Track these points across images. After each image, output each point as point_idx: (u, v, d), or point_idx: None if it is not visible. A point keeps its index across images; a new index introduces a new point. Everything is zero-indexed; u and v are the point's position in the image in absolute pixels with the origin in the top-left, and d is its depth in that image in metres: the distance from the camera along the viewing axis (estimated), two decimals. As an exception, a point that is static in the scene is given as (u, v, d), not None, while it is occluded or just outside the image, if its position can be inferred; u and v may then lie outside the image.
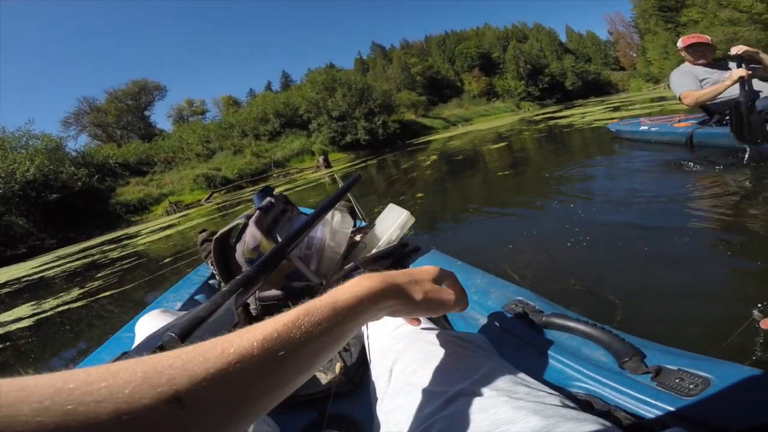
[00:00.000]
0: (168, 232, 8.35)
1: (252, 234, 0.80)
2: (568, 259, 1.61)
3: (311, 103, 28.97)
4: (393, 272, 0.41)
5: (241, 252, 0.82)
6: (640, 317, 1.13)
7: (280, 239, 0.82)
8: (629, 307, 1.16)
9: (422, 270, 0.44)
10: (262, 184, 19.49)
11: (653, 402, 0.44)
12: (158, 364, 0.22)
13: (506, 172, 4.47)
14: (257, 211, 0.85)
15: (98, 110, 38.13)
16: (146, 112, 41.87)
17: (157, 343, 0.47)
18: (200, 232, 1.23)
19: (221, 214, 9.36)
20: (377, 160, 13.78)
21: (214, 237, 0.83)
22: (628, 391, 0.46)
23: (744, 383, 0.41)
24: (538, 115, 21.57)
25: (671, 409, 0.42)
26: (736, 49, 2.52)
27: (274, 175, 22.59)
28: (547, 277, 1.50)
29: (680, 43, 3.02)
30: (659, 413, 0.43)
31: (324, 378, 0.72)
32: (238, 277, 0.62)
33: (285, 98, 32.11)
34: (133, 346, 0.70)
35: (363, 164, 13.33)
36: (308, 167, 22.34)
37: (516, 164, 5.02)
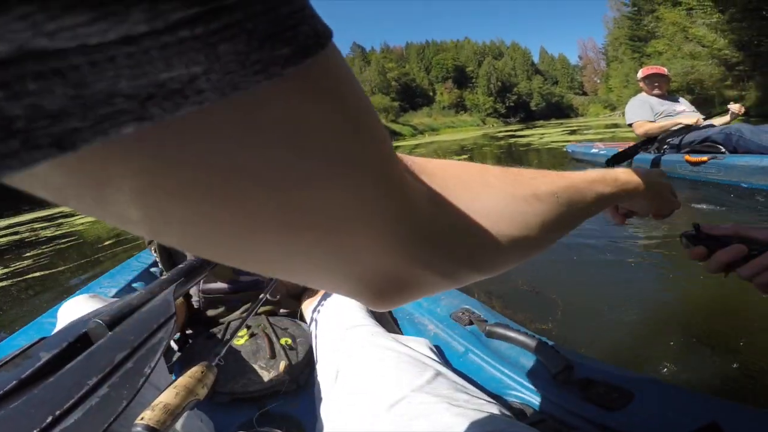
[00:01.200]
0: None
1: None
2: (514, 270, 1.68)
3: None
4: (650, 177, 0.41)
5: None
6: (576, 325, 1.21)
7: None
8: (567, 316, 1.23)
9: (664, 185, 0.44)
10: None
11: (580, 413, 0.47)
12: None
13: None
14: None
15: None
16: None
17: (81, 330, 0.44)
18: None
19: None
20: None
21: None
22: (558, 402, 0.49)
23: (663, 398, 0.45)
24: (501, 131, 22.47)
25: (596, 420, 0.45)
26: (736, 108, 2.95)
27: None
28: (491, 285, 1.58)
29: (640, 74, 3.31)
30: (585, 424, 0.46)
31: (267, 376, 0.70)
32: (180, 265, 0.58)
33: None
34: (54, 332, 0.64)
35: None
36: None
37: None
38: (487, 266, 0.23)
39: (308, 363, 0.74)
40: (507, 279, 1.54)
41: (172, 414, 0.45)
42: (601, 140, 5.23)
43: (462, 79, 63.19)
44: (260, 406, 0.70)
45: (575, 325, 1.20)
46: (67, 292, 2.55)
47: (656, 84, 3.20)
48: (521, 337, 0.59)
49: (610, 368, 0.52)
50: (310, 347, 0.75)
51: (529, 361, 0.57)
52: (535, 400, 0.51)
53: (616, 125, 14.30)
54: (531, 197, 0.23)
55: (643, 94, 3.30)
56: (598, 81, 67.42)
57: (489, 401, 0.46)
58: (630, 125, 3.29)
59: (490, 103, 57.98)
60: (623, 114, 3.44)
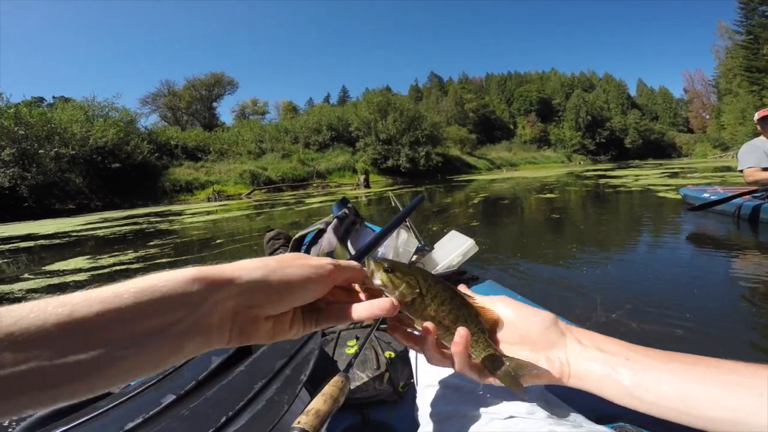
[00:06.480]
0: (211, 216, 8.81)
1: (329, 240, 0.88)
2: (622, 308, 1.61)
3: (363, 121, 29.84)
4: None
5: (315, 254, 0.90)
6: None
7: (350, 247, 0.89)
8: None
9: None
10: (302, 191, 20.29)
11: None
12: None
13: (551, 221, 4.43)
14: (335, 220, 0.93)
15: (174, 94, 41.30)
16: (214, 104, 44.77)
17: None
18: (268, 231, 1.34)
19: (257, 211, 9.68)
20: (414, 190, 13.63)
21: (294, 237, 0.91)
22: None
23: None
24: (588, 170, 21.02)
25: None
26: None
27: (314, 184, 23.27)
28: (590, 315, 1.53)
29: (756, 115, 3.07)
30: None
31: (372, 385, 0.77)
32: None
33: (340, 112, 33.32)
34: None
35: (400, 191, 13.38)
36: (347, 183, 22.83)
37: (560, 216, 4.94)
38: None
39: (409, 376, 0.80)
40: (612, 312, 1.47)
41: (322, 420, 0.49)
42: (720, 184, 4.87)
43: (547, 112, 60.58)
44: (363, 412, 0.78)
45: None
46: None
47: None
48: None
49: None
50: (410, 362, 0.81)
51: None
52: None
53: (727, 168, 12.60)
54: None
55: (760, 137, 3.08)
56: (708, 117, 60.15)
57: (597, 426, 0.48)
58: (741, 171, 3.10)
59: (578, 139, 54.03)
60: (737, 155, 3.17)
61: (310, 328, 0.35)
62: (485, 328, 0.40)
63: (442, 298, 0.38)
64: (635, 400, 0.33)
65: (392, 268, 0.37)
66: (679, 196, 4.75)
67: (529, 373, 0.38)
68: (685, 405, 0.31)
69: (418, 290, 0.37)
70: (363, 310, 0.35)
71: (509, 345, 0.40)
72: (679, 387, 0.32)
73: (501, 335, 0.41)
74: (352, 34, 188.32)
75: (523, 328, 0.39)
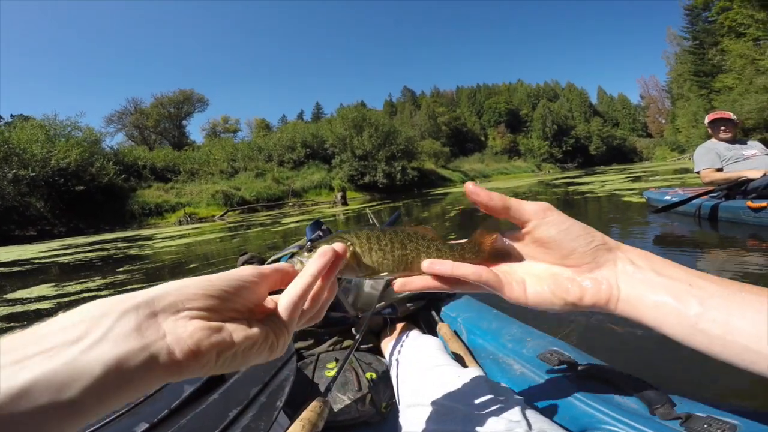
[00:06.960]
0: (183, 240, 8.51)
1: (303, 262, 0.87)
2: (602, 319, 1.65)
3: (338, 138, 29.87)
4: None
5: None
6: (669, 365, 1.19)
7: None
8: (663, 367, 1.19)
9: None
10: (277, 210, 19.98)
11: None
12: None
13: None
14: (308, 243, 0.92)
15: (141, 112, 39.94)
16: (184, 122, 43.63)
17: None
18: (241, 255, 1.31)
19: (232, 234, 9.42)
20: (392, 205, 13.51)
21: (267, 261, 0.90)
22: (658, 434, 0.48)
23: None
24: (557, 178, 21.76)
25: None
26: None
27: (290, 203, 22.95)
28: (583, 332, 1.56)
29: (706, 120, 3.36)
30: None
31: (355, 407, 0.76)
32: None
33: (315, 129, 33.23)
34: None
35: (378, 207, 13.33)
36: (324, 201, 22.63)
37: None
38: None
39: (391, 396, 0.80)
40: (592, 332, 1.51)
41: None
42: (681, 186, 5.15)
43: (515, 122, 62.58)
44: (345, 435, 0.77)
45: (669, 366, 1.19)
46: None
47: (723, 128, 3.23)
48: (616, 377, 0.58)
49: (712, 403, 0.51)
50: (391, 382, 0.81)
51: (624, 399, 0.56)
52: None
53: (686, 170, 13.36)
54: None
55: (711, 140, 3.32)
56: (664, 121, 63.33)
57: None
58: (698, 173, 3.33)
59: (546, 148, 55.98)
60: (692, 158, 3.42)
61: (285, 331, 0.31)
62: (433, 235, 0.38)
63: (375, 236, 0.37)
64: (698, 334, 0.29)
65: (313, 245, 0.36)
66: (643, 200, 4.97)
67: (489, 231, 0.37)
68: (759, 343, 0.26)
69: (349, 243, 0.36)
70: (311, 265, 0.32)
71: (548, 265, 0.36)
72: (755, 321, 0.27)
73: (539, 255, 0.36)
74: (325, 49, 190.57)
75: (567, 247, 0.34)
